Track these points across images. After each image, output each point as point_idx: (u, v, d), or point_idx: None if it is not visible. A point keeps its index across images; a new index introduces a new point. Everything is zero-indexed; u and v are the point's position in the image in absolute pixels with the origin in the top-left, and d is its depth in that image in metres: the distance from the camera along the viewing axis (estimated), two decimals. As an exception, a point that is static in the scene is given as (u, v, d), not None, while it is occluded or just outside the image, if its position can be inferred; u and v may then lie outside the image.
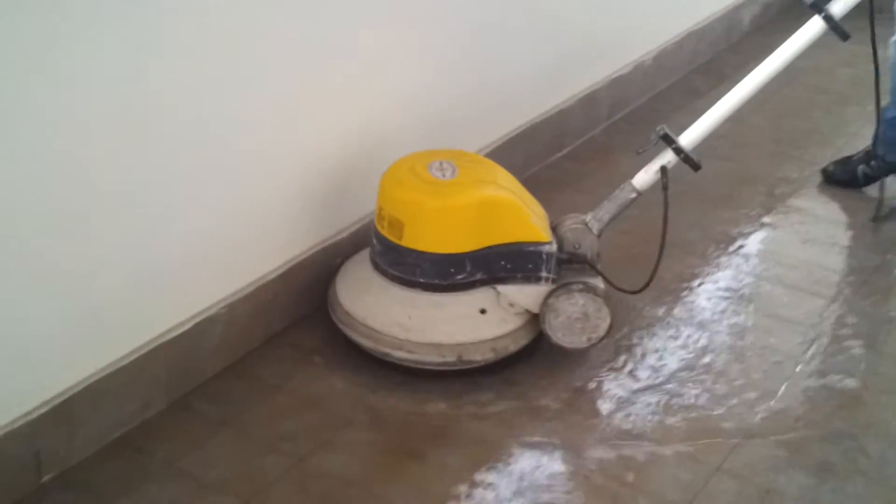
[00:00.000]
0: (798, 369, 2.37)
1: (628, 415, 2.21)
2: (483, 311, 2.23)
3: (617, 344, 2.40)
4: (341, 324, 2.28)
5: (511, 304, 2.25)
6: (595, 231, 2.31)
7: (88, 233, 1.92)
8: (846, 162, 3.13)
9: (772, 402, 2.26)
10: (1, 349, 1.84)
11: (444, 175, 2.21)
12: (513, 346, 2.26)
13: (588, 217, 2.33)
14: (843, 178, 3.11)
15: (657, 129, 2.30)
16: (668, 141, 2.29)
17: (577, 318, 2.26)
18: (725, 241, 2.85)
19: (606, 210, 2.33)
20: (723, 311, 2.56)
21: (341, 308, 2.28)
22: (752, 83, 2.33)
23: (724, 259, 2.78)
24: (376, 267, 2.28)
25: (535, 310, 2.26)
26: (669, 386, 2.29)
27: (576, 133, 3.27)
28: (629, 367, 2.34)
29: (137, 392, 2.10)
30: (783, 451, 2.13)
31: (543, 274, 2.24)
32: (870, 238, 2.90)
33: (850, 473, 2.08)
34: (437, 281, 2.21)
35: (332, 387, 2.25)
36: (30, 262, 1.83)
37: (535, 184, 2.51)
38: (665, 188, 2.29)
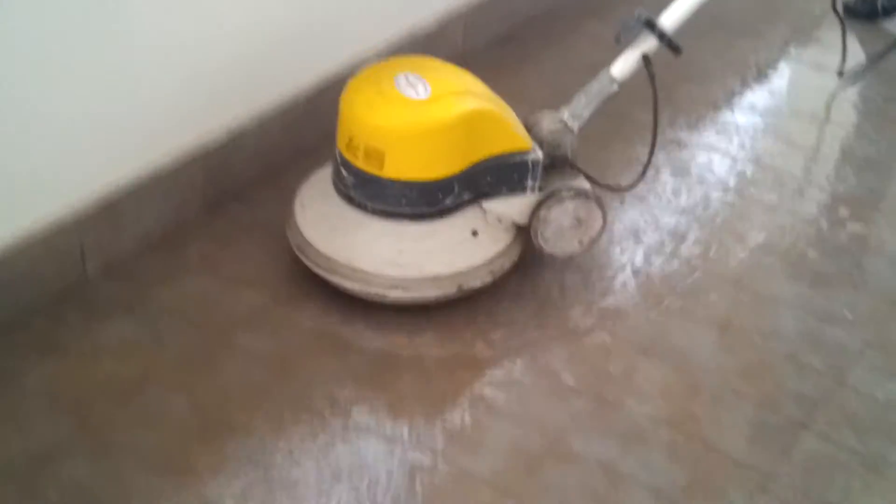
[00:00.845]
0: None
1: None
2: (475, 233, 2.08)
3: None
4: (319, 268, 2.07)
5: (499, 220, 2.11)
6: (574, 129, 2.15)
7: (133, 31, 2.03)
8: None
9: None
10: (54, 142, 1.98)
11: (416, 93, 1.99)
12: (507, 264, 2.12)
13: (565, 114, 2.15)
14: (863, 11, 3.16)
15: (636, 14, 2.12)
16: (651, 26, 2.11)
17: (569, 225, 2.14)
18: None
19: (585, 105, 2.15)
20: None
21: (314, 250, 2.08)
22: None
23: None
24: (350, 200, 2.06)
25: (524, 221, 2.13)
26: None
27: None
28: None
29: (177, 194, 2.25)
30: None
31: (529, 183, 2.09)
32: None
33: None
34: (425, 209, 2.03)
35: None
36: (81, 58, 1.96)
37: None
38: (652, 77, 2.14)
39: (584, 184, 2.16)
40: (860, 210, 2.46)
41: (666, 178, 2.50)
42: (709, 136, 2.68)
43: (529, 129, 2.13)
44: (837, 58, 2.96)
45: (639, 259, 2.26)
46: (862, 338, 2.09)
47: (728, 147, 2.63)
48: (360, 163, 2.01)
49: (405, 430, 1.84)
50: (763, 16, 3.23)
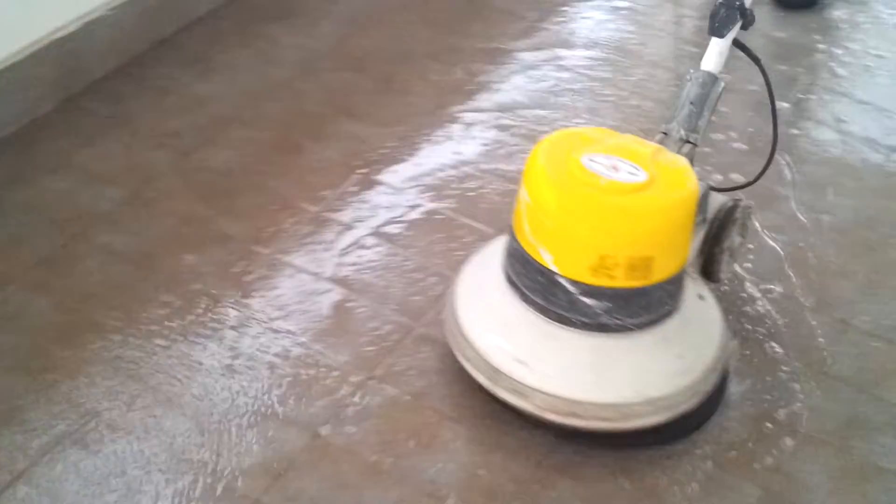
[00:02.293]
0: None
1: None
2: (701, 297, 1.83)
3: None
4: (596, 420, 1.69)
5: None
6: (698, 144, 1.84)
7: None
8: None
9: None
10: None
11: (633, 175, 1.63)
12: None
13: (681, 132, 1.80)
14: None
15: (726, 2, 1.82)
16: (743, 12, 1.83)
17: (739, 242, 1.93)
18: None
19: (699, 116, 1.82)
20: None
21: (544, 395, 1.68)
22: None
23: None
24: (601, 329, 1.68)
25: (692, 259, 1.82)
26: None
27: None
28: None
29: (28, 90, 2.20)
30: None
31: (698, 218, 1.78)
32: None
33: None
34: (676, 300, 1.74)
35: (217, 89, 2.37)
36: None
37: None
38: (758, 61, 1.87)
39: (720, 196, 1.89)
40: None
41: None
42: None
43: None
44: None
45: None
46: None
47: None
48: (619, 281, 1.64)
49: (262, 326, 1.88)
50: None
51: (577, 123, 2.35)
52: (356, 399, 1.76)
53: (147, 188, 2.11)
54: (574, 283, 1.64)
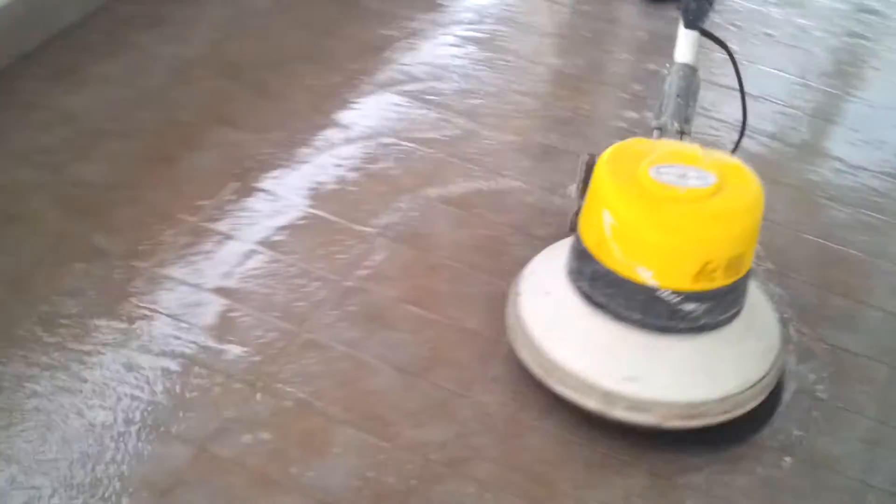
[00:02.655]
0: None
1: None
2: None
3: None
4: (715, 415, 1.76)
5: None
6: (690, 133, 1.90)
7: None
8: None
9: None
10: None
11: (701, 182, 1.69)
12: None
13: (673, 125, 1.87)
14: None
15: None
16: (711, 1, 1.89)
17: None
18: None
19: (685, 106, 1.88)
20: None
21: (665, 405, 1.74)
22: None
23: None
24: (700, 329, 1.74)
25: None
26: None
27: None
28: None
29: None
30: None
31: None
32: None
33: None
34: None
35: (87, 101, 2.32)
36: None
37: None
38: (725, 46, 1.94)
39: None
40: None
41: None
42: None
43: None
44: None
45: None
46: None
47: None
48: (718, 282, 1.70)
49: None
50: None
51: (456, 125, 2.38)
52: (243, 409, 1.74)
53: (18, 207, 2.06)
54: (676, 293, 1.69)
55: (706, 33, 1.89)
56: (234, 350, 1.83)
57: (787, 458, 1.79)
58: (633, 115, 2.47)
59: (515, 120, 2.43)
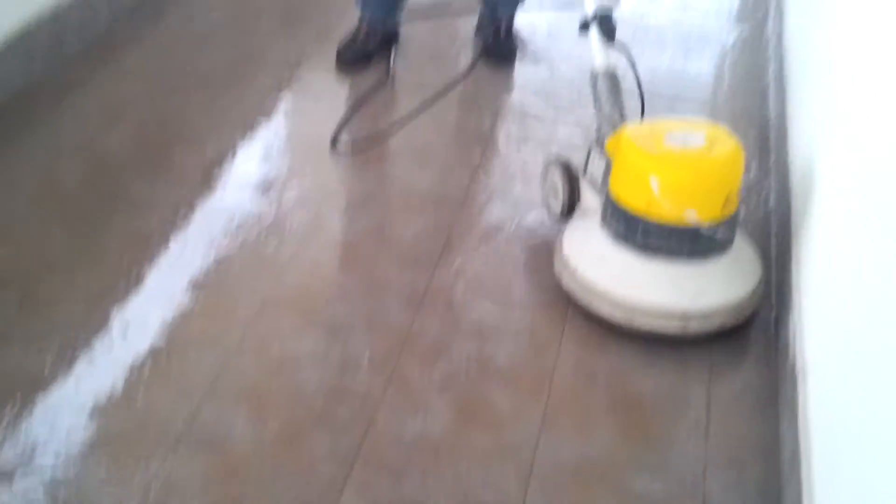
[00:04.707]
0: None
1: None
2: None
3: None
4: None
5: None
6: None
7: None
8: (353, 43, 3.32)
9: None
10: None
11: (698, 141, 2.31)
12: None
13: (618, 118, 2.46)
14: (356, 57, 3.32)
15: (582, 20, 2.51)
16: (595, 17, 2.49)
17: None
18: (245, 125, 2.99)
19: (615, 106, 2.47)
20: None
21: (723, 308, 2.32)
22: None
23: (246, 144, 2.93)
24: (721, 248, 2.33)
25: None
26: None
27: (76, 34, 3.22)
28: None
29: None
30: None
31: None
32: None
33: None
34: None
35: None
36: None
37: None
38: (627, 50, 2.52)
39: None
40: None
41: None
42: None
43: (586, 164, 2.55)
44: (319, 104, 3.11)
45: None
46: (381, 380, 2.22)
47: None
48: (732, 208, 2.31)
49: None
50: (244, 65, 3.31)
51: (230, 322, 2.35)
52: None
53: None
54: (712, 224, 2.28)
55: (616, 44, 2.50)
56: None
57: None
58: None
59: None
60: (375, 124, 3.03)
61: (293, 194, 2.73)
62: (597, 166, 2.49)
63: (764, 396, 2.22)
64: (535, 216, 2.69)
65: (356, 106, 3.11)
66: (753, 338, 2.38)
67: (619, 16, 2.51)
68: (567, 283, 2.40)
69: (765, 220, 2.74)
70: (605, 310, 2.32)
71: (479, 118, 3.14)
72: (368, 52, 3.31)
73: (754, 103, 3.29)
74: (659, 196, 2.25)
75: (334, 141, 2.94)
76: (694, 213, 2.26)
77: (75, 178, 2.71)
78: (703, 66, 3.54)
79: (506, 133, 3.08)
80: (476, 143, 3.01)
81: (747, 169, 2.75)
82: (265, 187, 2.74)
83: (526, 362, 2.28)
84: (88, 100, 3.01)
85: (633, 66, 2.54)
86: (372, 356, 2.25)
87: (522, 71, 3.38)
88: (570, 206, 2.55)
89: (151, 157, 2.79)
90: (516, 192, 2.80)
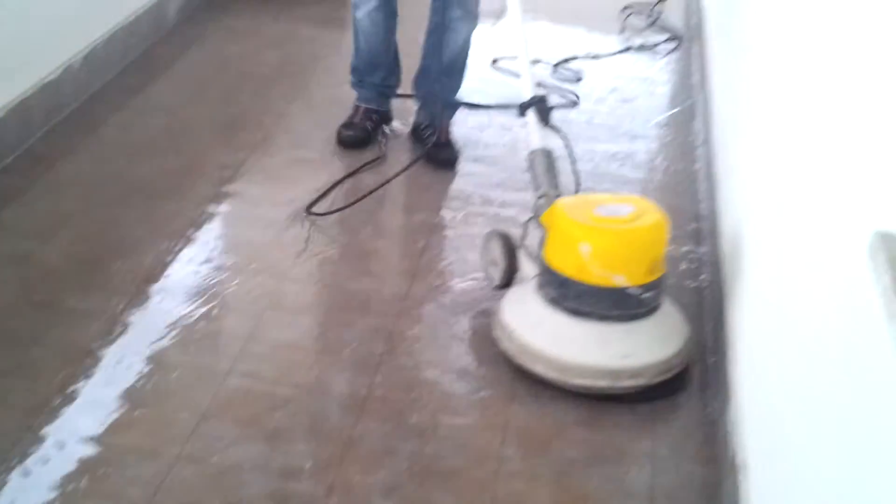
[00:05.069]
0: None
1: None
2: None
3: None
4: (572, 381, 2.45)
5: None
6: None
7: None
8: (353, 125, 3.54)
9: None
10: None
11: (623, 212, 2.49)
12: None
13: (553, 193, 2.62)
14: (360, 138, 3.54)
15: (521, 104, 2.77)
16: (533, 102, 2.75)
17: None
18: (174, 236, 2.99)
19: (551, 182, 2.64)
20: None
21: (656, 364, 2.46)
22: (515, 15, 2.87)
23: (183, 254, 2.92)
24: (650, 312, 2.48)
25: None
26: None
27: (10, 146, 3.22)
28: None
29: None
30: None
31: None
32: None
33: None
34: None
35: None
36: None
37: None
38: (560, 130, 2.80)
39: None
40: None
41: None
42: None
43: (524, 236, 2.68)
44: (257, 212, 3.14)
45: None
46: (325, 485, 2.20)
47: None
48: (658, 273, 2.48)
49: None
50: (182, 174, 3.31)
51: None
52: None
53: None
54: (639, 287, 2.43)
55: (552, 126, 2.76)
56: None
57: None
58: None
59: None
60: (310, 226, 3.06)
61: (230, 302, 2.73)
62: (533, 237, 2.63)
63: (707, 488, 2.24)
64: (478, 316, 2.73)
65: (345, 178, 3.30)
66: (692, 430, 2.40)
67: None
68: (505, 345, 2.52)
69: (698, 296, 2.82)
70: (539, 369, 2.45)
71: (418, 212, 3.20)
72: (366, 131, 3.52)
73: (686, 187, 3.37)
74: (589, 262, 2.41)
75: (309, 208, 3.12)
76: (622, 277, 2.41)
77: (11, 291, 2.68)
78: (639, 149, 3.67)
79: (447, 224, 3.14)
80: (420, 236, 3.06)
81: (678, 240, 2.94)
82: (202, 296, 2.74)
83: (469, 465, 2.28)
84: (25, 211, 3.00)
85: (567, 145, 2.80)
86: (315, 462, 2.24)
87: (463, 166, 3.46)
88: (509, 275, 2.68)
89: (88, 268, 2.78)
90: (457, 289, 2.84)
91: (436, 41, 3.39)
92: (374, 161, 3.39)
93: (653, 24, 4.77)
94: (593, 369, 2.41)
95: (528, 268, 2.63)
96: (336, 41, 4.28)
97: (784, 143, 2.32)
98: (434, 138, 3.41)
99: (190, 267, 2.85)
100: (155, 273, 2.80)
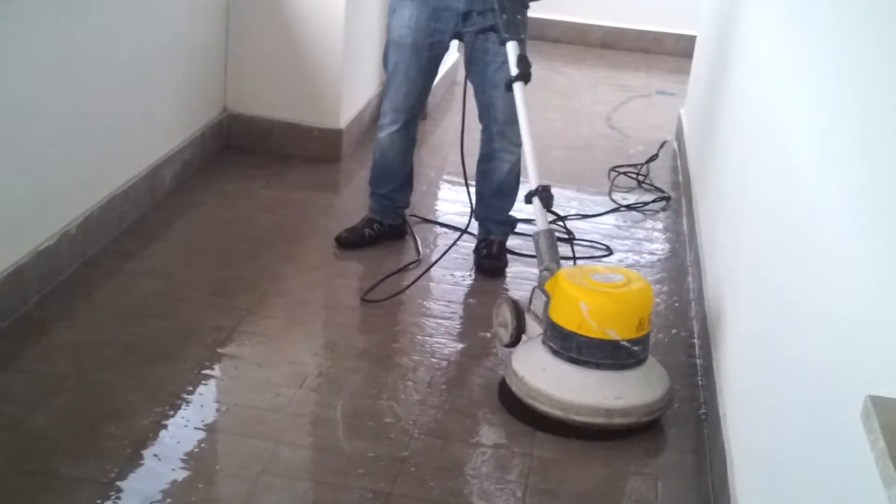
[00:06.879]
0: None
1: None
2: None
3: None
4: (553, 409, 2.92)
5: None
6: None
7: None
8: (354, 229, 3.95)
9: None
10: None
11: (614, 279, 2.99)
12: None
13: (555, 266, 3.10)
14: (353, 241, 3.94)
15: (527, 192, 3.28)
16: (536, 192, 3.25)
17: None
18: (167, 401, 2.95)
19: (553, 257, 3.13)
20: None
21: (641, 406, 2.93)
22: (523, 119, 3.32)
23: (177, 418, 2.88)
24: (638, 363, 2.95)
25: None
26: None
27: (5, 312, 3.21)
28: None
29: None
30: None
31: None
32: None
33: None
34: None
35: None
36: None
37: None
38: (562, 218, 3.90)
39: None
40: None
41: None
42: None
43: (531, 302, 3.14)
44: (252, 374, 3.10)
45: None
46: None
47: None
48: (645, 330, 2.95)
49: None
50: (176, 337, 3.30)
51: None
52: None
53: None
54: (629, 341, 2.91)
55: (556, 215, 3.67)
56: None
57: None
58: None
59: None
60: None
61: (225, 467, 2.69)
62: (538, 303, 3.07)
63: None
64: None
65: (391, 273, 3.74)
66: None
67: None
68: (516, 388, 2.98)
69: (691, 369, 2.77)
70: (544, 408, 2.92)
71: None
72: (362, 237, 3.93)
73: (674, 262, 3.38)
74: (588, 318, 2.87)
75: (365, 295, 3.59)
76: (614, 331, 2.88)
77: (3, 458, 2.63)
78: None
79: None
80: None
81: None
82: (197, 460, 2.69)
83: None
84: (18, 377, 2.97)
85: (565, 225, 3.63)
86: None
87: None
88: (518, 335, 3.14)
89: (81, 433, 2.74)
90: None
91: (485, 169, 3.87)
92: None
93: (640, 184, 4.86)
94: (591, 408, 2.88)
95: (534, 329, 3.08)
96: (328, 204, 4.35)
97: (776, 307, 2.35)
98: (485, 251, 3.87)
99: (184, 431, 2.81)
100: (149, 437, 2.76)
